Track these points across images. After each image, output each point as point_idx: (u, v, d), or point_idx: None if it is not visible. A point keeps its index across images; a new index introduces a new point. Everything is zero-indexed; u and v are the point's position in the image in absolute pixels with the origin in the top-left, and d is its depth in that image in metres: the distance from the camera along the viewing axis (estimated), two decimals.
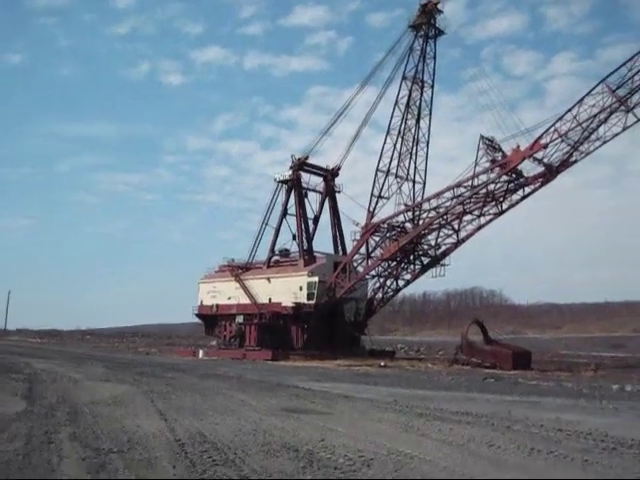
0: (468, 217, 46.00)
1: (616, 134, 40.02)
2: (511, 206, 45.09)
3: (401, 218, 48.39)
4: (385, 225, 48.26)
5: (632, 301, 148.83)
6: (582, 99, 38.77)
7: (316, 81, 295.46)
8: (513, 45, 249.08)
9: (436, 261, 48.49)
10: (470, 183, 43.94)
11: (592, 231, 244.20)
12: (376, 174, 49.56)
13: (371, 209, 49.02)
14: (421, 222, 47.41)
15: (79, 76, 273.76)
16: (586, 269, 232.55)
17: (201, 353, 51.08)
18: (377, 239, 48.54)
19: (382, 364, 40.22)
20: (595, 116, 38.93)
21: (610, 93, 38.31)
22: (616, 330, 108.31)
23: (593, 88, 38.33)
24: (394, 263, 49.10)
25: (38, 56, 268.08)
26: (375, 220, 48.74)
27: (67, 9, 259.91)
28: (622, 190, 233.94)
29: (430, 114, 50.42)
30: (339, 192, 56.88)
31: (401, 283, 50.59)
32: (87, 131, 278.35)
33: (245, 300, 54.13)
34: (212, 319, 57.95)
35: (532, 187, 43.88)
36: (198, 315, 59.86)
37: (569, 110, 39.23)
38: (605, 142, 40.67)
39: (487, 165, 43.47)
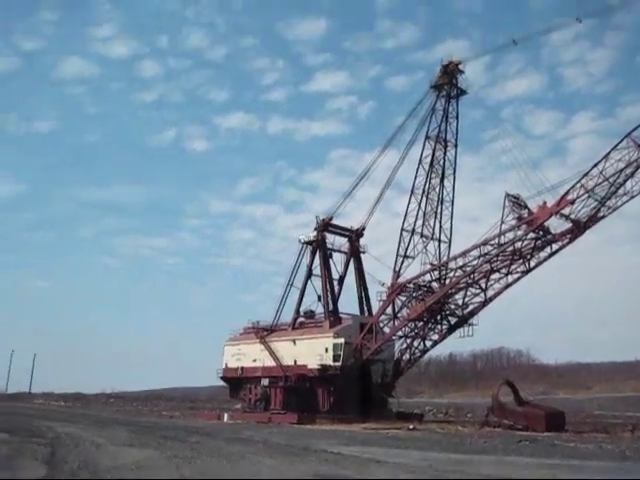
0: (495, 275, 45.44)
1: None
2: (539, 263, 44.56)
3: (427, 277, 47.93)
4: (411, 285, 47.78)
5: None
6: (608, 154, 38.62)
7: (338, 145, 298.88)
8: (532, 105, 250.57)
9: (464, 321, 47.69)
10: (497, 241, 43.60)
11: (617, 288, 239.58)
12: (401, 234, 49.41)
13: (397, 269, 48.61)
14: (447, 281, 46.89)
15: (106, 142, 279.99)
16: (613, 327, 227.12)
17: (226, 416, 50.16)
18: (403, 299, 48.01)
19: (411, 427, 39.06)
20: (621, 171, 38.65)
21: (636, 147, 38.17)
22: None
23: (619, 143, 38.26)
24: (421, 323, 48.41)
25: (67, 123, 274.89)
26: (401, 280, 48.26)
27: (96, 78, 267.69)
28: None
29: (454, 173, 50.66)
30: (364, 253, 56.60)
31: (428, 344, 49.73)
32: (112, 195, 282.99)
33: (270, 362, 53.38)
34: (237, 382, 57.10)
35: (560, 244, 43.37)
36: (223, 378, 59.00)
37: (595, 165, 39.04)
38: (633, 197, 40.28)
39: (513, 223, 43.21)
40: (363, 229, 56.35)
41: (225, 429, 36.74)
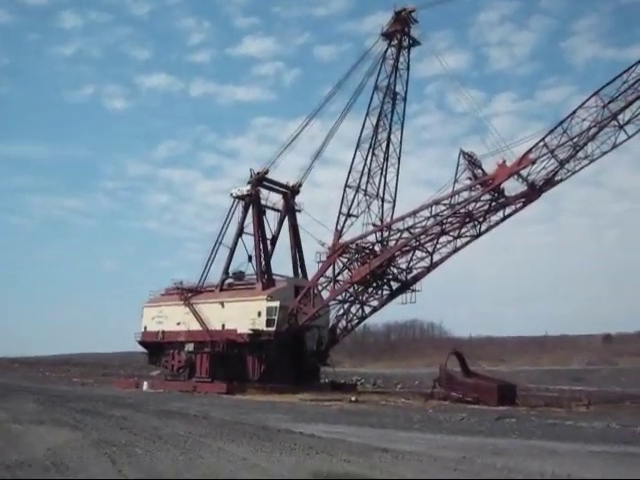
0: (444, 239, 42.52)
1: (604, 152, 37.39)
2: (490, 227, 41.84)
3: (371, 238, 44.45)
4: (354, 246, 44.23)
5: (569, 335, 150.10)
6: (575, 112, 35.97)
7: (261, 112, 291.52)
8: (458, 83, 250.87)
9: (406, 286, 44.64)
10: (449, 201, 40.57)
11: (526, 266, 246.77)
12: (345, 190, 45.54)
13: (339, 228, 44.92)
14: (392, 243, 43.69)
15: (17, 96, 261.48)
16: (520, 304, 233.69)
17: (145, 385, 45.63)
18: (345, 261, 44.40)
19: (353, 399, 35.89)
20: (587, 131, 36.21)
21: (602, 106, 35.73)
22: (567, 363, 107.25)
23: (587, 100, 35.60)
24: (361, 288, 44.98)
25: None
26: (343, 240, 44.66)
27: (10, 27, 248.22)
28: (557, 226, 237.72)
29: (402, 128, 47.05)
30: (299, 211, 52.45)
31: (367, 310, 46.32)
32: (22, 152, 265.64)
33: (195, 326, 48.60)
34: (157, 347, 51.95)
35: (513, 207, 40.80)
36: (141, 342, 53.65)
37: (561, 123, 36.38)
38: (592, 161, 37.93)
39: (467, 182, 40.26)
40: (299, 186, 52.19)
41: (148, 399, 32.54)
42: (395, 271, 44.68)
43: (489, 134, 41.66)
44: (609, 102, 34.97)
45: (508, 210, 40.99)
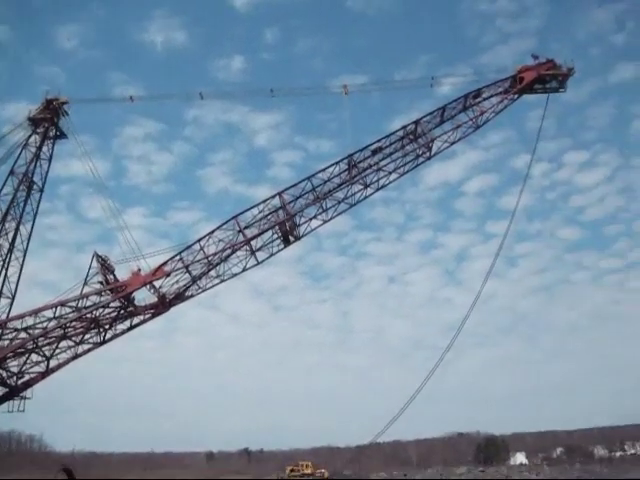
0: (64, 344, 39.92)
1: (235, 274, 39.98)
2: (115, 336, 40.92)
3: None
4: None
5: (174, 452, 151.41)
6: (213, 231, 38.18)
7: None
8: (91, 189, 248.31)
9: (15, 392, 40.25)
10: (76, 304, 38.57)
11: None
12: None
13: None
14: (6, 343, 39.45)
15: None
16: (127, 419, 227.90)
17: None
18: None
19: None
20: (222, 251, 38.41)
21: (237, 231, 38.50)
22: None
23: (225, 222, 38.04)
24: None
25: None
26: None
27: None
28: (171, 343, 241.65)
29: (34, 220, 43.78)
30: None
31: None
32: None
33: None
34: None
35: (141, 318, 40.61)
36: None
37: (199, 240, 38.05)
38: (223, 281, 40.19)
39: (98, 286, 38.93)
40: None
41: None
42: (4, 374, 40.11)
43: (117, 245, 40.84)
44: (245, 227, 37.91)
45: (136, 320, 40.60)
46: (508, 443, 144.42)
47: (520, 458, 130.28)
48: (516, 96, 40.28)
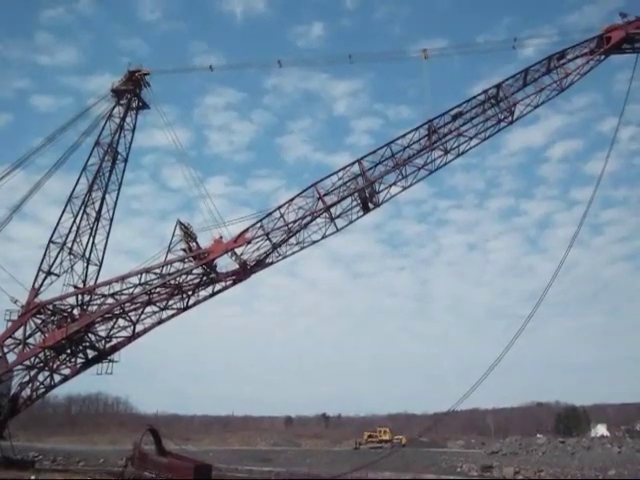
0: (149, 309, 41.23)
1: (315, 241, 40.10)
2: (197, 302, 41.83)
3: (71, 301, 41.17)
4: (51, 307, 40.49)
5: (253, 416, 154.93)
6: (293, 199, 38.17)
7: None
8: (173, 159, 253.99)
9: (104, 356, 41.91)
10: (160, 271, 39.64)
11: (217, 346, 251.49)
12: (48, 246, 41.87)
13: (37, 285, 40.92)
14: (94, 308, 41.01)
15: None
16: (208, 383, 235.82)
17: None
18: (39, 322, 40.30)
19: (32, 478, 31.93)
20: (301, 218, 38.59)
21: (317, 198, 38.51)
22: (253, 443, 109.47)
23: (305, 190, 38.13)
24: (52, 354, 40.98)
25: None
26: (39, 299, 40.68)
27: None
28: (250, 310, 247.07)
29: (119, 190, 45.23)
30: None
31: (57, 378, 41.97)
32: None
33: None
34: None
35: (222, 284, 41.37)
36: None
37: (279, 208, 38.29)
38: (303, 248, 40.37)
39: (181, 253, 39.84)
40: None
41: None
42: (93, 338, 41.78)
43: (199, 213, 41.57)
44: (324, 195, 37.97)
45: (218, 286, 41.40)
46: (589, 414, 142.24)
47: (601, 430, 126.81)
48: (603, 57, 38.39)
